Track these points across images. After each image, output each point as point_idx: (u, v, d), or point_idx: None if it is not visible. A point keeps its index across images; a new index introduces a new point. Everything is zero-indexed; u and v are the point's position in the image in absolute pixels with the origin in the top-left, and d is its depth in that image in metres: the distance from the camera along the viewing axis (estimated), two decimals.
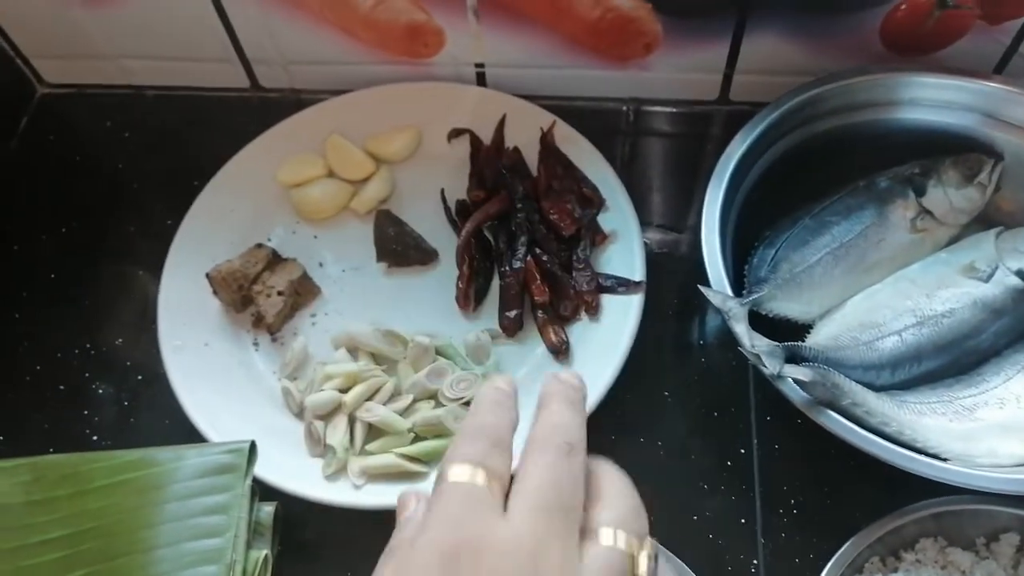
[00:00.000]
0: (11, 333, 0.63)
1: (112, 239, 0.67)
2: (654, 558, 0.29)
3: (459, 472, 0.28)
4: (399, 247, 0.62)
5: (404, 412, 0.55)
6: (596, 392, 0.54)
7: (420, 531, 0.27)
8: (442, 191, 0.66)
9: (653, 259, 0.61)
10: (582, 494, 0.28)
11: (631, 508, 0.29)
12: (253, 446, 0.50)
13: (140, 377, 0.61)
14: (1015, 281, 0.53)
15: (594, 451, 0.56)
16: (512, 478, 0.29)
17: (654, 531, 0.46)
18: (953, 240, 0.58)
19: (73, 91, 0.76)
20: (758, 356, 0.48)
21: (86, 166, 0.72)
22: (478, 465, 0.28)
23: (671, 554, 0.46)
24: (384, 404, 0.55)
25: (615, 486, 0.30)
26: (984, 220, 0.59)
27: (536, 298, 0.59)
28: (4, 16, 0.70)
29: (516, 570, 0.26)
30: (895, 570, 0.48)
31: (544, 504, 0.27)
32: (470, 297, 0.60)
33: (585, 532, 0.28)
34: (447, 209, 0.65)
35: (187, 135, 0.73)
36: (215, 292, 0.60)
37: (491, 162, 0.65)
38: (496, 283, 0.61)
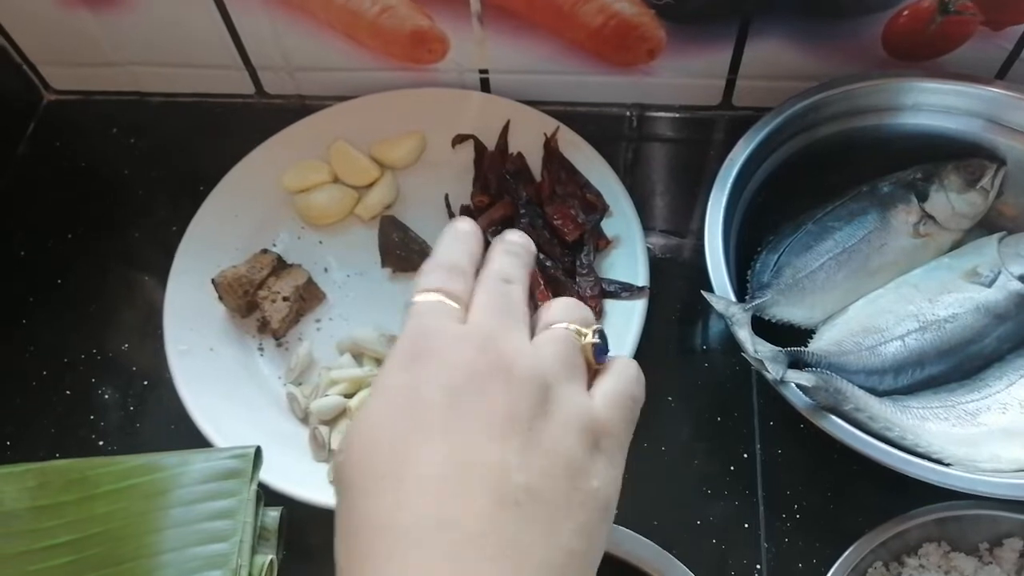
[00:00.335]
0: (18, 338, 0.63)
1: (118, 245, 0.68)
2: (599, 333, 0.32)
3: (421, 297, 0.32)
4: (403, 252, 0.63)
5: None
6: None
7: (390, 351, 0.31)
8: (446, 196, 0.66)
9: (656, 264, 0.61)
10: (525, 309, 0.33)
11: (571, 305, 0.33)
12: (258, 451, 0.50)
13: (146, 382, 0.61)
14: (1018, 286, 0.54)
15: None
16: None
17: (658, 536, 0.46)
18: (956, 245, 0.59)
19: (80, 98, 0.77)
20: (761, 361, 0.48)
21: (92, 172, 0.73)
22: (437, 291, 0.32)
23: (674, 558, 0.46)
24: None
25: (558, 302, 0.34)
26: (986, 225, 0.59)
27: (540, 303, 0.59)
28: (12, 23, 0.71)
29: (474, 350, 0.30)
30: (898, 575, 0.48)
31: (493, 308, 0.32)
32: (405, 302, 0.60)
33: (534, 330, 0.32)
34: (451, 214, 0.65)
35: (193, 141, 0.73)
36: (220, 297, 0.60)
37: (495, 168, 0.65)
38: None
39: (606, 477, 0.30)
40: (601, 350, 0.32)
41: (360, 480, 0.28)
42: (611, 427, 0.31)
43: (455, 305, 0.32)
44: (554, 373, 0.30)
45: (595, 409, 0.30)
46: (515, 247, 0.35)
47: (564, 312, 0.33)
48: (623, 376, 0.32)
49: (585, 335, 0.32)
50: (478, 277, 0.33)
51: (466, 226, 0.35)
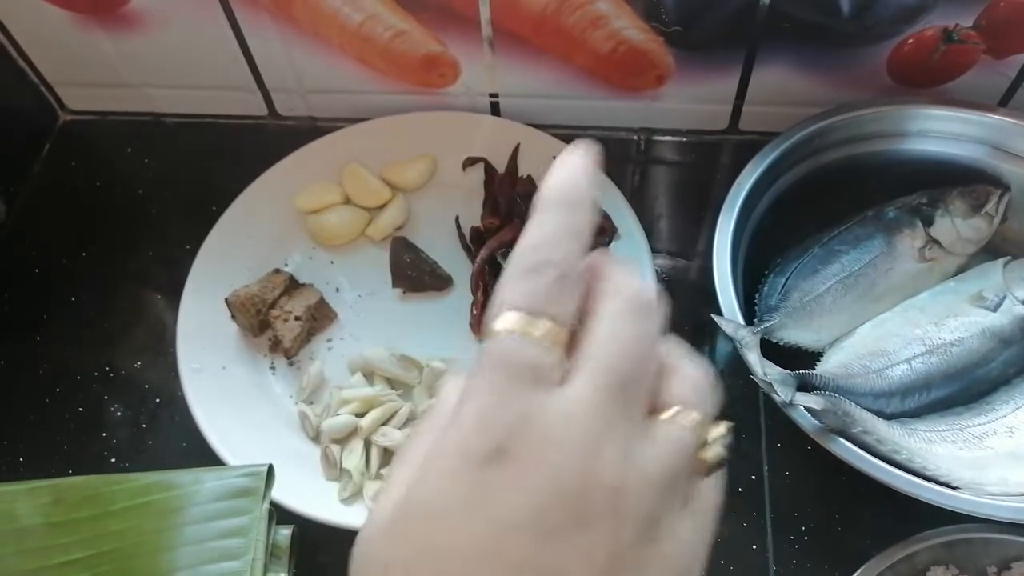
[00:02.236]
0: (31, 355, 0.64)
1: (132, 263, 0.69)
2: (725, 443, 0.24)
3: (503, 322, 0.21)
4: (414, 273, 0.63)
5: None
6: None
7: (450, 421, 0.21)
8: (456, 218, 0.67)
9: (663, 286, 0.62)
10: (654, 366, 0.23)
11: (702, 382, 0.23)
12: (271, 470, 0.50)
13: (158, 400, 0.61)
14: (1023, 310, 0.54)
15: None
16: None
17: None
18: (961, 269, 0.59)
19: (95, 118, 0.78)
20: (771, 384, 0.48)
21: (107, 192, 0.73)
22: (536, 314, 0.21)
23: None
24: (400, 429, 0.56)
25: (687, 374, 0.23)
26: (991, 250, 0.60)
27: None
28: (28, 43, 0.72)
29: (577, 457, 0.20)
30: None
31: (615, 378, 0.21)
32: (484, 323, 0.61)
33: (650, 409, 0.22)
34: (461, 236, 0.66)
35: (206, 162, 0.74)
36: (233, 317, 0.61)
37: (505, 190, 0.66)
38: None
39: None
40: (723, 451, 0.24)
41: None
42: (702, 554, 0.24)
43: (556, 349, 0.21)
44: (663, 501, 0.22)
45: (696, 542, 0.23)
46: (646, 301, 0.23)
47: (691, 391, 0.23)
48: (704, 513, 0.24)
49: (706, 430, 0.23)
50: (593, 309, 0.23)
51: (583, 166, 0.24)
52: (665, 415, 0.23)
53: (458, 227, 0.66)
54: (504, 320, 0.21)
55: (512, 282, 0.22)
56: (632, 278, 0.23)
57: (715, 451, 0.23)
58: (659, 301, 0.24)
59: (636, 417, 0.22)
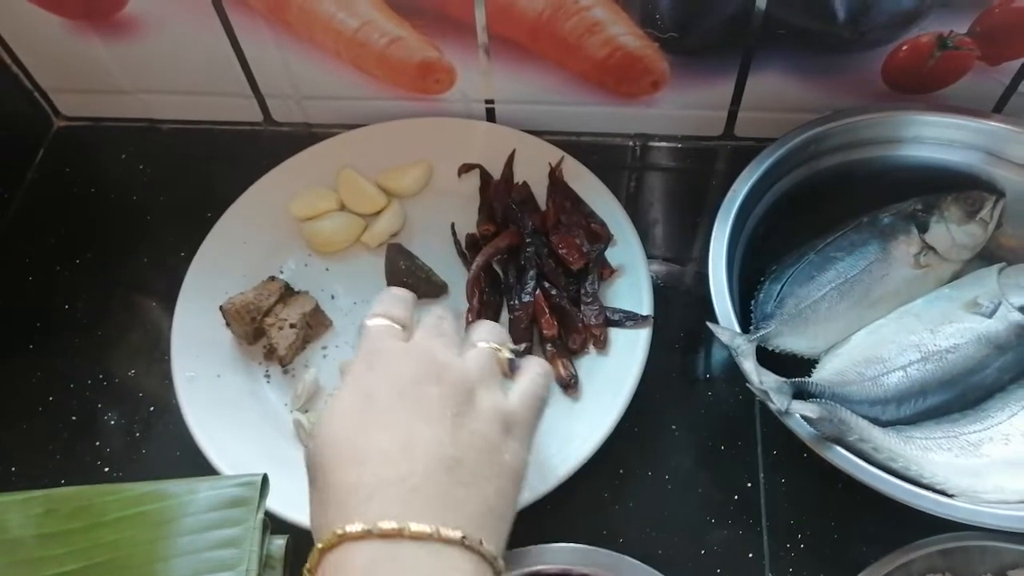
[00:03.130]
0: (25, 363, 0.64)
1: (126, 270, 0.68)
2: (513, 352, 0.44)
3: (372, 322, 0.43)
4: (410, 280, 0.63)
5: None
6: (604, 426, 0.55)
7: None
8: (452, 225, 0.67)
9: (658, 291, 0.62)
10: (455, 335, 0.44)
11: (494, 329, 0.45)
12: (265, 479, 0.50)
13: (152, 408, 0.61)
14: (1018, 317, 0.54)
15: (602, 483, 0.57)
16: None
17: (662, 565, 0.46)
18: (956, 276, 0.59)
19: (89, 124, 0.78)
20: (766, 392, 0.48)
21: (101, 198, 0.73)
22: (384, 315, 0.43)
23: None
24: None
25: (481, 325, 0.45)
26: (986, 256, 0.60)
27: (545, 331, 0.60)
28: (22, 50, 0.72)
29: (414, 361, 0.40)
30: None
31: (430, 331, 0.43)
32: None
33: (462, 348, 0.43)
34: (457, 243, 0.66)
35: (201, 168, 0.74)
36: (228, 324, 0.61)
37: (501, 197, 0.66)
38: (505, 316, 0.62)
39: (517, 453, 0.40)
40: (513, 363, 0.44)
41: (330, 460, 0.36)
42: (520, 417, 0.41)
43: (399, 328, 0.43)
44: (476, 378, 0.41)
45: (508, 404, 0.41)
46: (442, 308, 0.46)
47: (487, 333, 0.44)
48: (531, 379, 0.43)
49: (501, 351, 0.43)
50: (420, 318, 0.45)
51: (403, 292, 0.47)
52: (473, 346, 0.43)
53: (454, 234, 0.66)
54: (372, 320, 0.44)
55: (372, 308, 0.45)
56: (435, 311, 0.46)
57: (506, 354, 0.44)
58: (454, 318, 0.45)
59: (452, 346, 0.42)
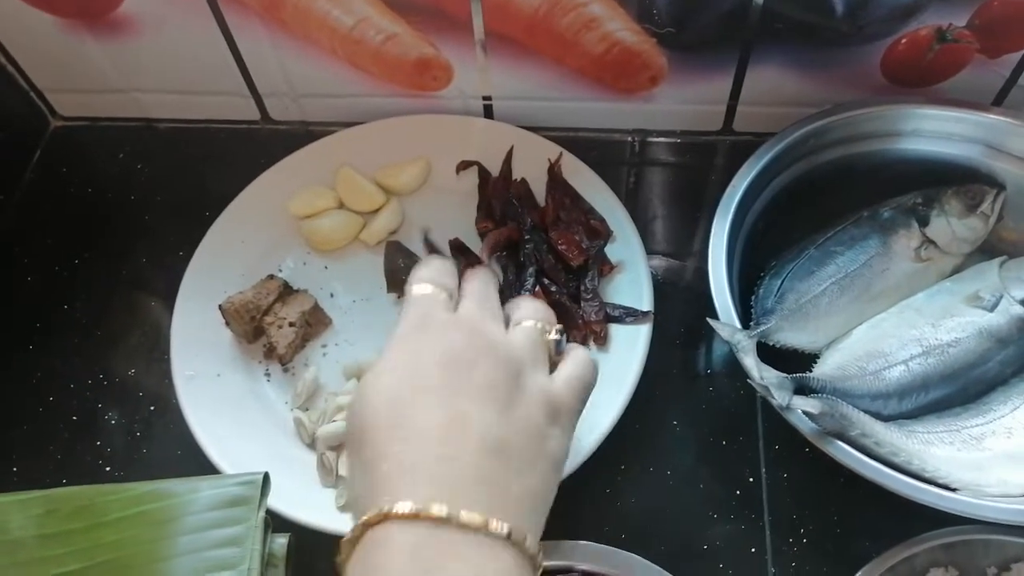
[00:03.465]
0: (24, 364, 0.64)
1: (125, 270, 0.68)
2: (559, 332, 0.42)
3: (419, 288, 0.42)
4: (408, 277, 0.63)
5: None
6: (606, 422, 0.55)
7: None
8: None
9: (657, 287, 0.61)
10: (500, 309, 0.42)
11: (539, 306, 0.43)
12: (266, 478, 0.50)
13: (152, 407, 0.61)
14: (1020, 310, 0.54)
15: (603, 479, 0.57)
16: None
17: (665, 560, 0.46)
18: (957, 269, 0.59)
19: (86, 124, 0.77)
20: (767, 388, 0.48)
21: (99, 198, 0.73)
22: (431, 283, 0.41)
23: None
24: None
25: (527, 302, 0.43)
26: (987, 250, 0.60)
27: None
28: (18, 50, 0.71)
29: (464, 333, 0.39)
30: None
31: (478, 303, 0.41)
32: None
33: (509, 323, 0.41)
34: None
35: (199, 167, 0.74)
36: (227, 323, 0.60)
37: (499, 193, 0.66)
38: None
39: (560, 440, 0.39)
40: (560, 344, 0.42)
41: (373, 428, 0.35)
42: (566, 403, 0.40)
43: (445, 296, 0.41)
44: (525, 358, 0.39)
45: (554, 389, 0.39)
46: (486, 272, 0.45)
47: (533, 311, 0.42)
48: (578, 364, 0.42)
49: (548, 332, 0.42)
50: (462, 284, 0.43)
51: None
52: (518, 323, 0.41)
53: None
54: (418, 287, 0.42)
55: (416, 271, 0.43)
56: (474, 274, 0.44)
57: (552, 337, 0.42)
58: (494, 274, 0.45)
59: (499, 320, 0.41)
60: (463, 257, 0.64)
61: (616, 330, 0.60)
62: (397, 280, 0.63)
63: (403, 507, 0.32)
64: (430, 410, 0.35)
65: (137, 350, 0.64)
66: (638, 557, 0.47)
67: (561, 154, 0.67)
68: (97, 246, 0.70)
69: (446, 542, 0.32)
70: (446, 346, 0.38)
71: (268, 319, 0.60)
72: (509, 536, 0.33)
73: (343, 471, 0.54)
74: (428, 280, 0.42)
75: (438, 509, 0.32)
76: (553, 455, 0.38)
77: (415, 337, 0.39)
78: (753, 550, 0.54)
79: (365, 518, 0.33)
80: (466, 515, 0.32)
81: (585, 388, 0.41)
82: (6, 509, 0.52)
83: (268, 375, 0.61)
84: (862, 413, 0.49)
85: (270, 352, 0.61)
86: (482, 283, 0.42)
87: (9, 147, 0.75)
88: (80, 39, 0.69)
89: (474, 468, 0.34)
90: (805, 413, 0.48)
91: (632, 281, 0.61)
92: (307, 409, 0.59)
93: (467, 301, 0.41)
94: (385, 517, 0.32)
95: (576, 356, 0.42)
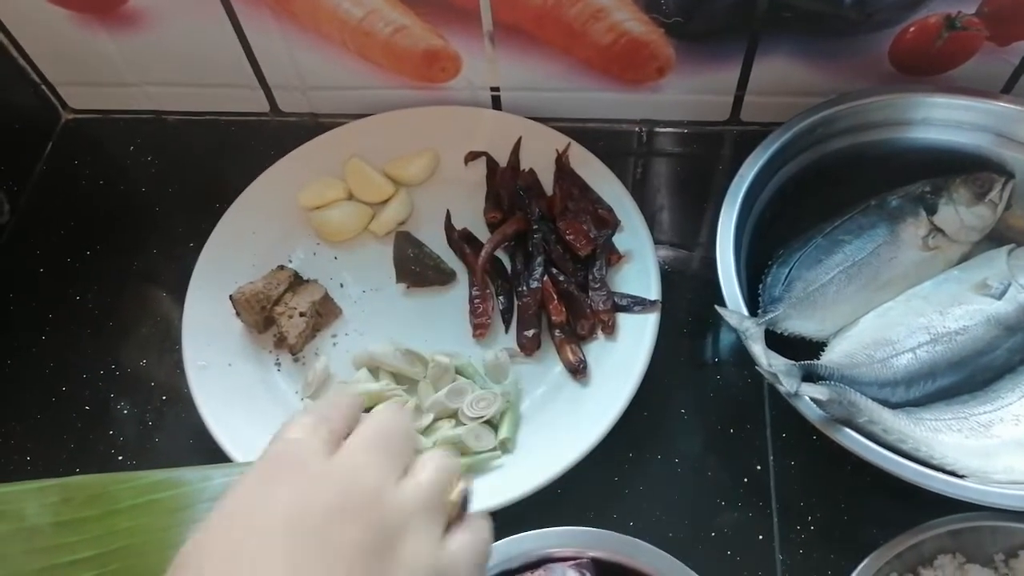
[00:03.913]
0: (37, 354, 0.64)
1: (136, 262, 0.69)
2: (464, 493, 0.33)
3: (288, 430, 0.32)
4: (418, 268, 0.63)
5: (425, 431, 0.56)
6: (614, 410, 0.55)
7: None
8: (448, 213, 0.66)
9: (665, 276, 0.62)
10: (408, 445, 0.33)
11: (445, 462, 0.33)
12: None
13: (164, 397, 0.62)
14: None
15: (612, 468, 0.57)
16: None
17: (673, 548, 0.47)
18: (964, 258, 0.59)
19: (98, 117, 0.78)
20: (776, 375, 0.48)
21: (110, 190, 0.74)
22: (307, 424, 0.32)
23: (689, 569, 0.46)
24: None
25: (431, 457, 0.34)
26: (995, 238, 0.60)
27: (553, 317, 0.60)
28: (30, 43, 0.72)
29: (334, 484, 0.30)
30: None
31: (371, 442, 0.32)
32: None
33: (407, 471, 0.32)
34: (449, 230, 0.66)
35: (209, 159, 0.74)
36: (238, 313, 0.61)
37: (507, 184, 0.66)
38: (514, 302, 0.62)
39: None
40: (465, 503, 0.33)
41: None
42: (457, 574, 0.31)
43: (323, 441, 0.31)
44: (409, 522, 0.30)
45: (443, 559, 0.31)
46: (395, 410, 0.35)
47: (435, 466, 0.33)
48: (478, 534, 0.33)
49: (450, 490, 0.33)
50: (359, 423, 0.34)
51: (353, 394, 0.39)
52: (415, 471, 0.32)
53: (448, 221, 0.66)
54: (295, 421, 0.33)
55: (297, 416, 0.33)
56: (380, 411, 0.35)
57: (458, 492, 0.33)
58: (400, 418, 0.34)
59: (392, 471, 0.31)
60: (468, 247, 0.64)
61: (624, 319, 0.60)
62: (406, 270, 0.64)
63: None
64: None
65: (149, 341, 0.65)
66: (647, 544, 0.47)
67: (569, 144, 0.67)
68: (108, 238, 0.70)
69: None
70: (302, 502, 0.29)
71: (278, 309, 0.61)
72: None
73: None
74: (305, 422, 0.32)
75: None
76: None
77: (262, 490, 0.30)
78: (761, 537, 0.54)
79: None
80: None
81: (481, 563, 0.33)
82: (22, 497, 0.52)
83: (279, 365, 0.61)
84: (870, 400, 0.49)
85: (280, 342, 0.61)
86: (384, 421, 0.33)
87: (21, 140, 0.75)
88: (91, 32, 0.69)
89: None
90: (813, 400, 0.48)
91: (640, 270, 0.62)
92: (317, 398, 0.59)
93: (353, 443, 0.32)
94: None
95: (477, 524, 0.33)
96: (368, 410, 0.55)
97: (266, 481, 0.30)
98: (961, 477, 0.48)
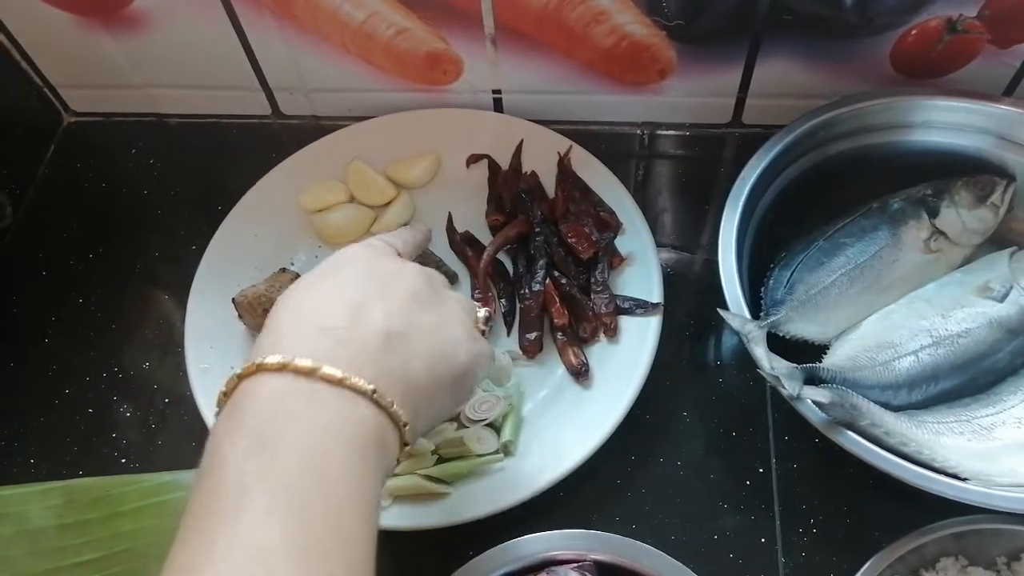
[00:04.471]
0: (40, 357, 0.64)
1: (138, 264, 0.69)
2: (488, 313, 0.46)
3: (372, 239, 0.46)
4: None
5: (427, 434, 0.56)
6: (616, 413, 0.55)
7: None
8: (449, 215, 0.67)
9: (667, 279, 0.62)
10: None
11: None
12: None
13: (167, 400, 0.62)
14: None
15: (614, 470, 0.57)
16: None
17: (675, 550, 0.47)
18: (966, 261, 0.59)
19: (100, 119, 0.78)
20: (778, 378, 0.48)
21: (112, 193, 0.74)
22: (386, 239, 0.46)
23: (691, 572, 0.46)
24: None
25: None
26: (997, 241, 0.60)
27: (555, 320, 0.60)
28: (32, 46, 0.72)
29: (395, 263, 0.42)
30: None
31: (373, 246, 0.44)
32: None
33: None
34: (451, 232, 0.66)
35: (211, 162, 0.74)
36: (240, 316, 0.61)
37: (509, 186, 0.66)
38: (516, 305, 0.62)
39: (471, 350, 0.41)
40: (488, 322, 0.47)
41: (274, 310, 0.38)
42: (479, 354, 0.42)
43: (394, 250, 0.45)
44: (459, 302, 0.43)
45: (477, 337, 0.43)
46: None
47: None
48: (490, 348, 0.45)
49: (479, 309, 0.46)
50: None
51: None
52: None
53: (450, 223, 0.66)
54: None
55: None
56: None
57: (484, 313, 0.46)
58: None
59: (396, 260, 0.43)
60: (470, 249, 0.64)
61: (626, 322, 0.60)
62: None
63: (272, 360, 0.34)
64: (324, 294, 0.38)
65: (152, 343, 0.65)
66: (649, 547, 0.47)
67: (571, 147, 0.67)
68: (110, 241, 0.70)
69: (307, 391, 0.34)
70: (375, 264, 0.41)
71: None
72: (372, 394, 0.34)
73: None
74: (380, 239, 0.45)
75: (303, 362, 0.34)
76: (460, 364, 0.40)
77: (343, 255, 0.42)
78: (763, 540, 0.54)
79: (239, 371, 0.35)
80: (329, 369, 0.34)
81: (485, 368, 0.43)
82: (26, 500, 0.52)
83: None
84: (872, 403, 0.49)
85: None
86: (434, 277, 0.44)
87: (23, 143, 0.76)
88: (93, 35, 0.69)
89: (356, 342, 0.36)
90: (815, 403, 0.48)
91: (642, 273, 0.62)
92: None
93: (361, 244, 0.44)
94: (257, 369, 0.34)
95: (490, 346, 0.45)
96: None
97: (350, 255, 0.42)
98: (963, 480, 0.48)
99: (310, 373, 0.34)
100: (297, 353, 0.34)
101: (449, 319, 0.41)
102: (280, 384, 0.34)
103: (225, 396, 0.35)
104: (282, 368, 0.34)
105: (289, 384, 0.34)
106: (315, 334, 0.36)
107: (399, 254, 0.45)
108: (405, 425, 0.36)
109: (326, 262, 0.41)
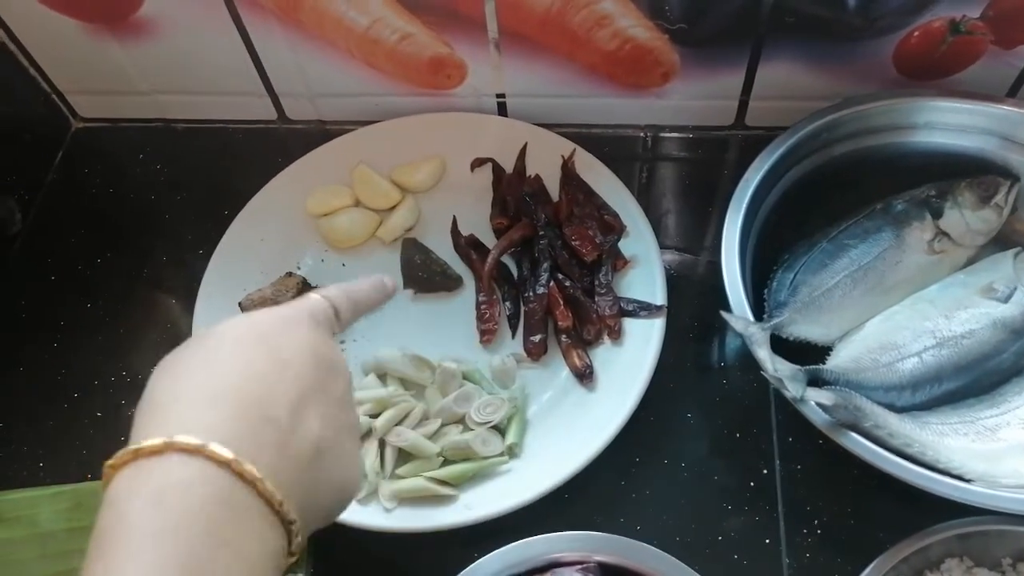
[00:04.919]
0: (49, 361, 0.65)
1: (146, 269, 0.69)
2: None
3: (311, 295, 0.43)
4: (425, 274, 0.64)
5: (433, 436, 0.56)
6: (620, 415, 0.55)
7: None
8: (454, 219, 0.67)
9: (670, 281, 0.62)
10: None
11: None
12: None
13: None
14: None
15: (619, 472, 0.57)
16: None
17: (680, 552, 0.47)
18: (970, 261, 0.59)
19: (107, 125, 0.79)
20: (781, 380, 0.48)
21: (120, 198, 0.74)
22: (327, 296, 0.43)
23: (696, 573, 0.47)
24: (413, 429, 0.56)
25: None
26: (1001, 241, 0.60)
27: (560, 323, 0.60)
28: (40, 52, 0.73)
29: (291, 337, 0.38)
30: None
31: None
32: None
33: None
34: (456, 236, 0.66)
35: (218, 166, 0.75)
36: None
37: (513, 190, 0.67)
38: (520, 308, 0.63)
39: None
40: None
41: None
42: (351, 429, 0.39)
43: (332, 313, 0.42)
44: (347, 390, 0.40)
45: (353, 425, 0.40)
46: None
47: None
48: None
49: None
50: None
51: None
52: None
53: (455, 227, 0.67)
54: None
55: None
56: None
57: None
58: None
59: (333, 342, 0.40)
60: (475, 253, 0.65)
61: (630, 324, 0.60)
62: (413, 276, 0.64)
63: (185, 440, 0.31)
64: (261, 371, 0.35)
65: (159, 347, 0.64)
66: (653, 548, 0.47)
67: (574, 150, 0.68)
68: (118, 245, 0.71)
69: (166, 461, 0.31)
70: (310, 348, 0.37)
71: None
72: (280, 506, 0.32)
73: (367, 467, 0.55)
74: (321, 296, 0.43)
75: (184, 439, 0.31)
76: (356, 490, 0.38)
77: (269, 329, 0.38)
78: (767, 541, 0.54)
79: (139, 447, 0.32)
80: (183, 438, 0.31)
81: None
82: (37, 503, 0.53)
83: None
84: (876, 405, 0.49)
85: None
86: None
87: (32, 149, 0.76)
88: (101, 42, 0.70)
89: (292, 451, 0.33)
90: (819, 405, 0.48)
91: (645, 276, 0.62)
92: None
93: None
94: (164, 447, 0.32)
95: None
96: (376, 416, 0.57)
97: (253, 315, 0.39)
98: (968, 481, 0.48)
99: (240, 475, 0.31)
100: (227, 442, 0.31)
101: (355, 429, 0.39)
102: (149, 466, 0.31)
103: (113, 469, 0.32)
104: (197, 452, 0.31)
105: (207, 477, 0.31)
106: (260, 423, 0.33)
107: (338, 319, 0.42)
108: (264, 487, 0.32)
109: (246, 324, 0.38)
